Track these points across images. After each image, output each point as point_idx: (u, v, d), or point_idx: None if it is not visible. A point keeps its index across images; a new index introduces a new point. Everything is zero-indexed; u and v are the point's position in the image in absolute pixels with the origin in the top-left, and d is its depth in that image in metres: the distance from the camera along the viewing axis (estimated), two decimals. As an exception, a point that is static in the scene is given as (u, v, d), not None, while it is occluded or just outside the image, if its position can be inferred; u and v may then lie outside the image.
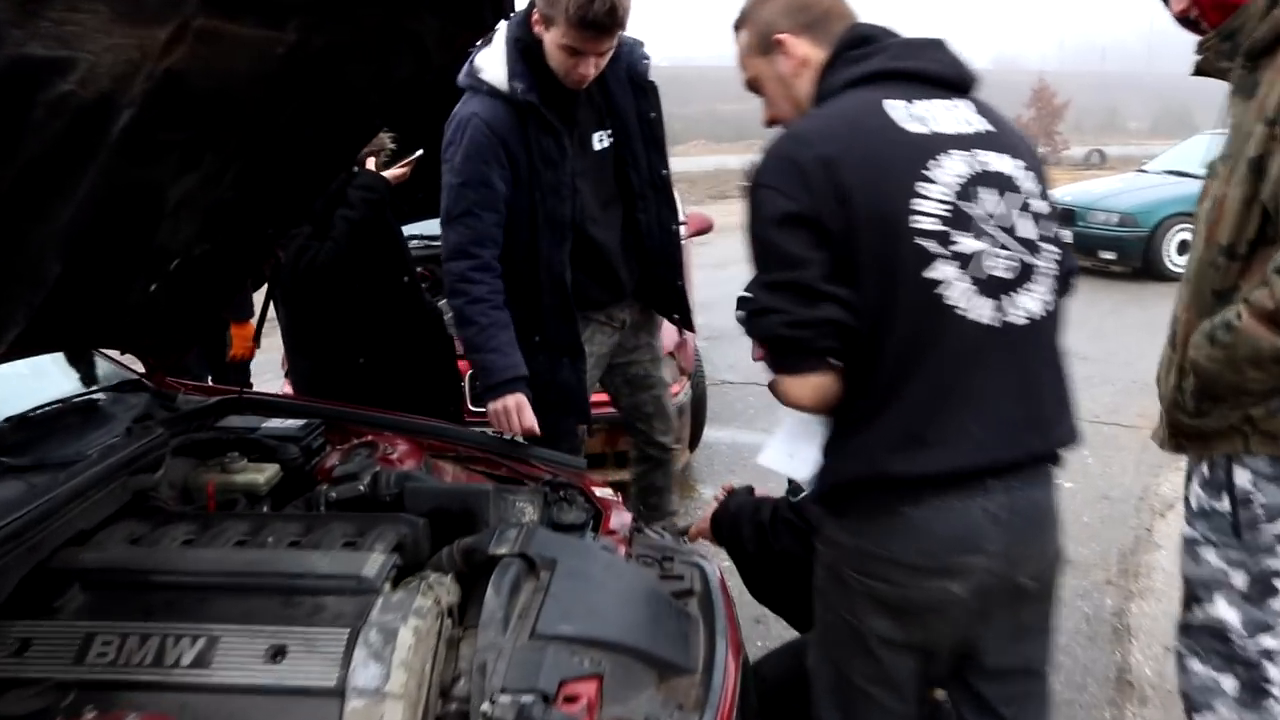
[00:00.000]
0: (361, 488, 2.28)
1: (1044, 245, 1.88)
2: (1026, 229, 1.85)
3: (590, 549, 2.07)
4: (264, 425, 2.62)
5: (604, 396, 4.71)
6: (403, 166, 3.70)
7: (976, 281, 1.78)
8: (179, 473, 2.42)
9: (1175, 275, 10.97)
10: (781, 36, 1.95)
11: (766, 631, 3.52)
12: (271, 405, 2.82)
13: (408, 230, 6.16)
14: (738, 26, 2.03)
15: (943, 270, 1.75)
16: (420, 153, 3.78)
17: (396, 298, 3.52)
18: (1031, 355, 1.85)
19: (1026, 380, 1.84)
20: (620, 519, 2.33)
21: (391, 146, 3.65)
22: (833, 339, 1.75)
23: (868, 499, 1.83)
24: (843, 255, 1.74)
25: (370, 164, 3.58)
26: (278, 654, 1.68)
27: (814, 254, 1.73)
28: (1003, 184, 1.83)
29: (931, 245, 1.75)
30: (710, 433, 5.78)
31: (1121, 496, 5.11)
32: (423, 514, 2.19)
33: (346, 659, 1.66)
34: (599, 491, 2.53)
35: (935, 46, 1.93)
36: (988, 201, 1.80)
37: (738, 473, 5.39)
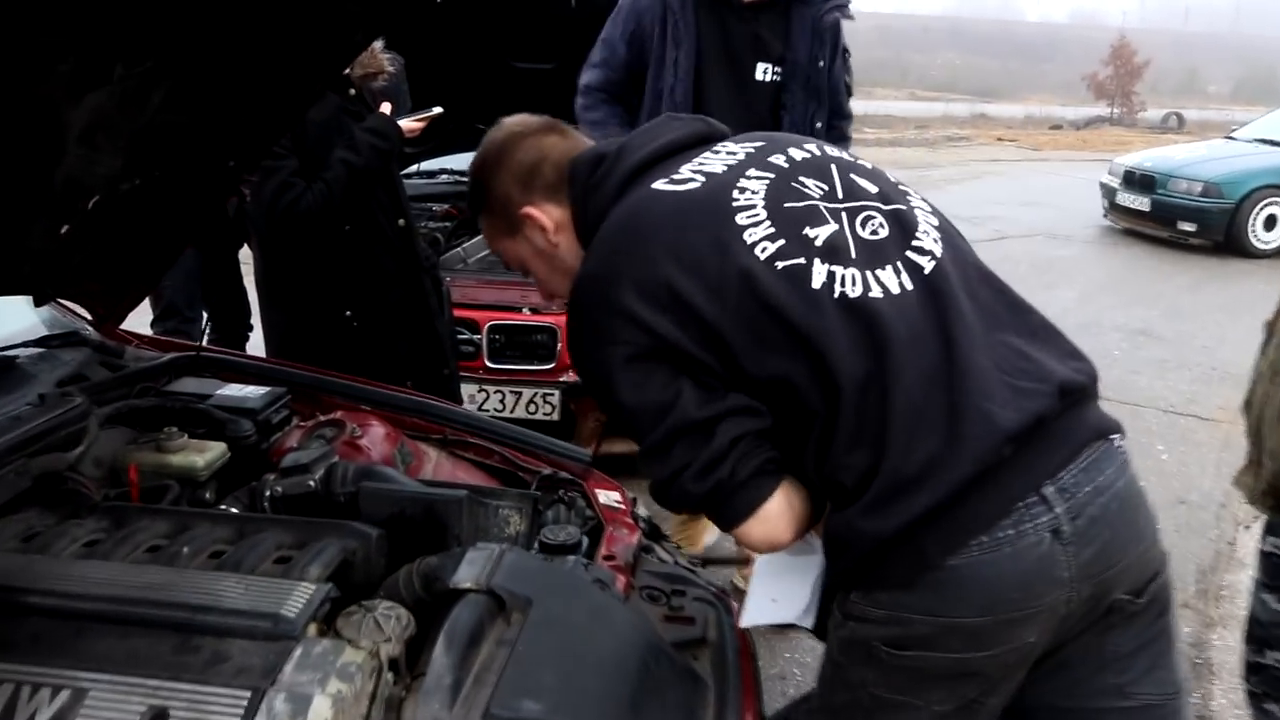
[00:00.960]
0: (312, 483, 1.90)
1: (893, 190, 1.61)
2: (874, 185, 1.60)
3: (578, 584, 1.67)
4: (219, 392, 2.23)
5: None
6: (419, 120, 3.31)
7: (857, 259, 1.49)
8: (109, 448, 2.04)
9: (1260, 252, 10.35)
10: (525, 211, 1.70)
11: (784, 690, 3.11)
12: (234, 367, 2.44)
13: (437, 163, 5.81)
14: (475, 211, 1.83)
15: (821, 270, 1.47)
16: (438, 110, 3.52)
17: (390, 244, 3.09)
18: (972, 290, 1.53)
19: (989, 317, 1.51)
20: (623, 540, 1.92)
21: (390, 69, 3.22)
22: (758, 451, 1.47)
23: (893, 560, 1.44)
24: (711, 359, 1.46)
25: (386, 107, 3.17)
26: None
27: (678, 384, 1.46)
28: (809, 166, 1.60)
29: (798, 260, 1.47)
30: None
31: (1200, 501, 4.62)
32: (380, 522, 1.81)
33: (241, 735, 1.28)
34: (603, 497, 2.12)
35: (666, 121, 1.73)
36: (808, 187, 1.56)
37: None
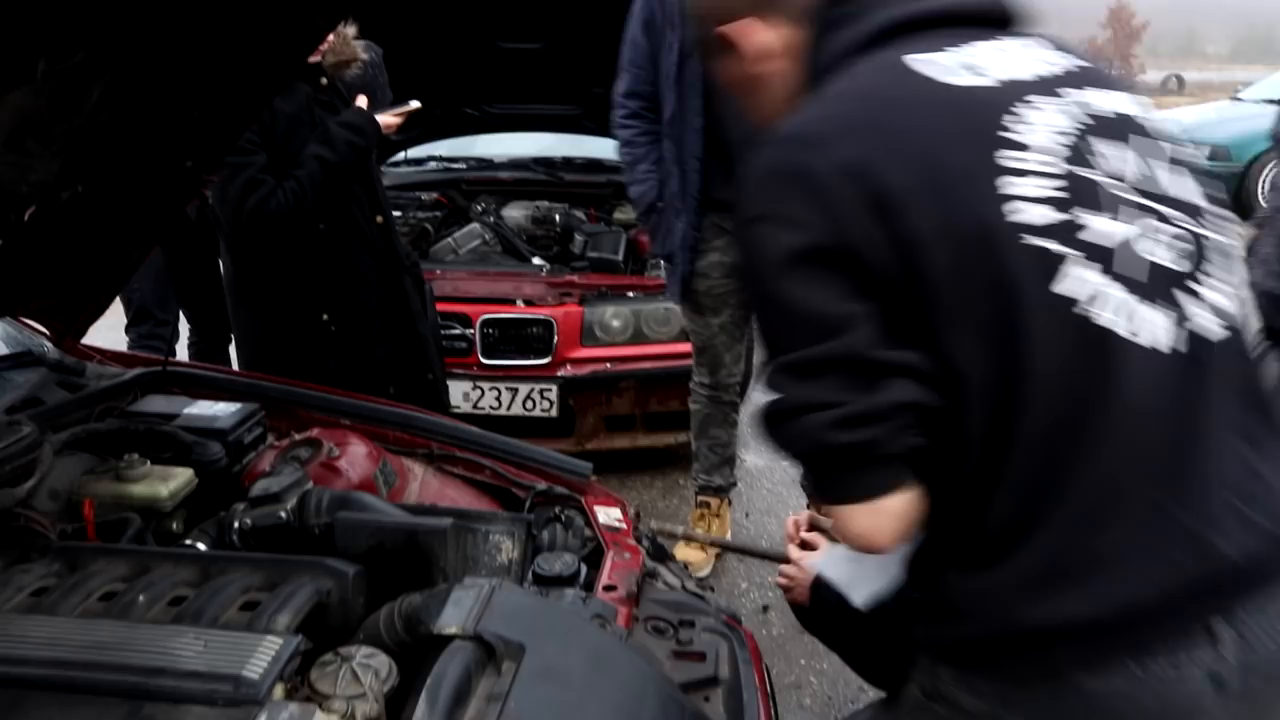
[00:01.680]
0: (283, 514, 1.74)
1: (1209, 207, 1.26)
2: (1181, 187, 1.24)
3: (575, 624, 1.51)
4: (186, 411, 2.07)
5: (636, 349, 4.18)
6: (397, 115, 3.13)
7: (1133, 283, 1.15)
8: (66, 478, 1.88)
9: (1269, 215, 10.15)
10: (724, 30, 1.40)
11: (800, 700, 2.97)
12: (204, 382, 2.28)
13: (424, 150, 5.63)
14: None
15: (1079, 276, 1.13)
16: (416, 105, 3.33)
17: (368, 243, 2.91)
18: (1242, 382, 1.21)
19: (1235, 412, 1.19)
20: (625, 565, 1.76)
21: (364, 57, 3.05)
22: (913, 432, 1.16)
23: (1013, 655, 1.21)
24: (903, 301, 1.15)
25: (362, 101, 2.99)
26: (100, 807, 1.15)
27: (856, 306, 1.15)
28: (1125, 129, 1.23)
29: (1051, 244, 1.14)
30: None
31: None
32: (358, 556, 1.65)
33: (196, 822, 1.12)
34: (603, 515, 1.96)
35: None
36: (1111, 158, 1.20)
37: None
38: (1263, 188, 10.18)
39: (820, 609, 1.94)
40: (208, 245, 3.76)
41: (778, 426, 1.20)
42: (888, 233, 1.14)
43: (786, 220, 1.18)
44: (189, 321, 4.31)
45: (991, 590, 1.19)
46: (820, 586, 1.93)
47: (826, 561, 1.49)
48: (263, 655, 1.31)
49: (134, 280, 3.76)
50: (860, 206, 1.14)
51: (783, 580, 1.98)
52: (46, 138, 1.54)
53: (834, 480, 1.20)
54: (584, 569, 1.72)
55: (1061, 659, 1.16)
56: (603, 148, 5.52)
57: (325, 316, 2.82)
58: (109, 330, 2.77)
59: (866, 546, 1.22)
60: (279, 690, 1.29)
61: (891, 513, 1.19)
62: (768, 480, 4.44)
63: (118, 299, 4.19)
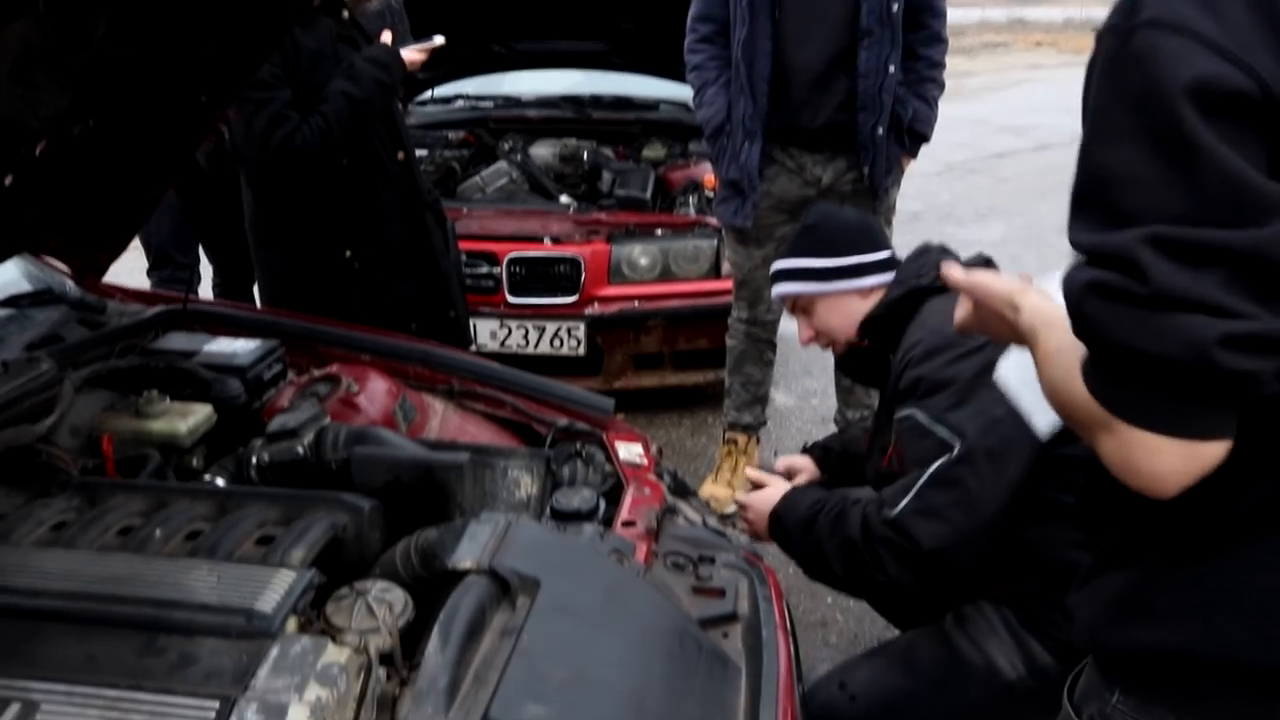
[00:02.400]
0: (300, 449, 1.73)
1: None
2: None
3: (592, 559, 1.50)
4: (206, 348, 2.06)
5: (664, 286, 4.14)
6: (421, 50, 3.07)
7: None
8: (88, 415, 1.89)
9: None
10: None
11: (825, 638, 2.94)
12: (225, 319, 2.27)
13: (452, 88, 5.57)
14: None
15: None
16: (440, 40, 3.23)
17: (390, 178, 2.88)
18: None
19: None
20: (645, 501, 1.74)
21: None
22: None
23: (1230, 700, 1.02)
24: None
25: (386, 36, 2.94)
26: (115, 736, 1.15)
27: (1271, 183, 0.87)
28: None
29: None
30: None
31: None
32: (375, 490, 1.65)
33: (208, 753, 1.13)
34: (624, 451, 1.94)
35: None
36: None
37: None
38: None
39: (784, 540, 2.06)
40: (225, 184, 3.74)
41: (1126, 305, 0.89)
42: None
43: (1207, 40, 0.89)
44: (211, 263, 4.29)
45: (1244, 597, 0.99)
46: (778, 519, 2.02)
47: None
48: (276, 589, 1.31)
49: (151, 223, 3.76)
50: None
51: (743, 526, 2.10)
52: (54, 70, 1.52)
53: (1168, 404, 0.91)
54: (603, 504, 1.70)
55: None
56: (631, 85, 5.44)
57: (348, 253, 2.79)
58: (130, 275, 2.76)
59: (1152, 487, 0.96)
60: (292, 623, 1.29)
61: (1208, 461, 0.94)
62: (797, 419, 4.41)
63: (139, 243, 4.21)
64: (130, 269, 2.43)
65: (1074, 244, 0.95)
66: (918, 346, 1.93)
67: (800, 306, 2.24)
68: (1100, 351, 0.94)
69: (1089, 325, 0.93)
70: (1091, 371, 0.95)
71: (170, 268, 4.13)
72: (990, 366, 1.42)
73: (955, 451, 1.77)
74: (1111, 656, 1.10)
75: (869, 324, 2.14)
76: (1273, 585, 0.98)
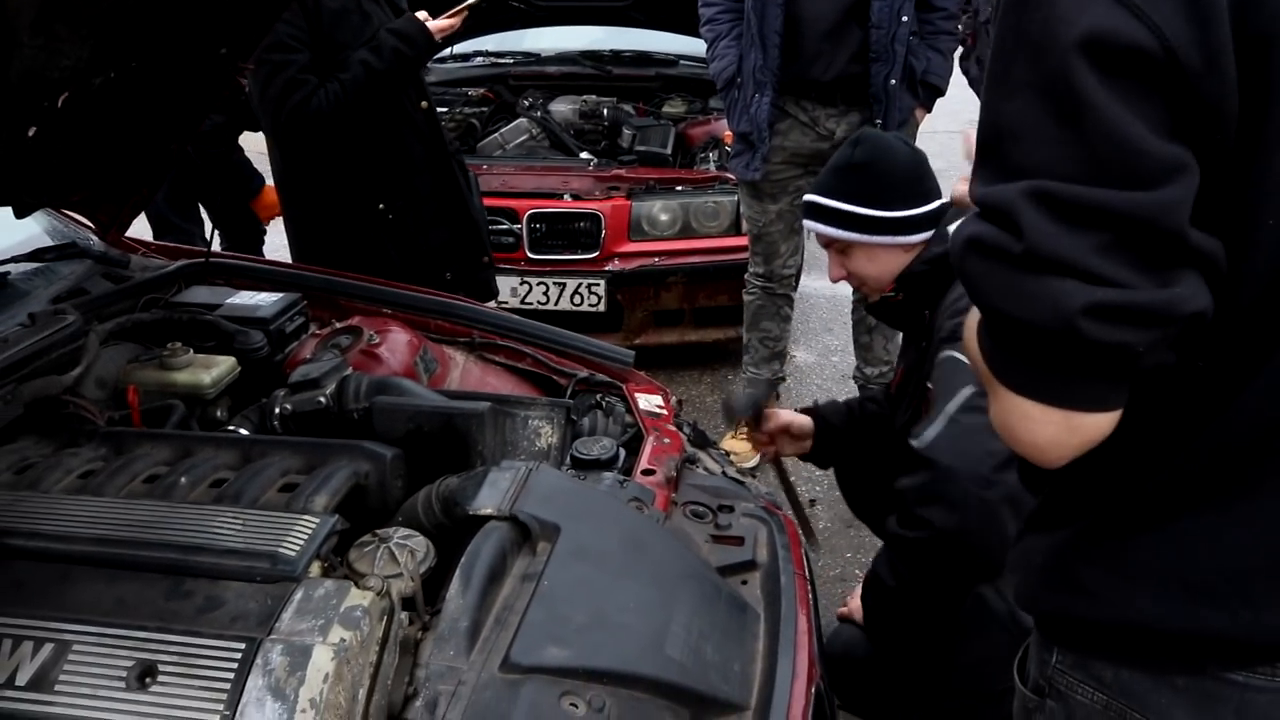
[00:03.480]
0: (323, 399, 1.75)
1: None
2: None
3: (612, 506, 1.51)
4: (229, 301, 2.08)
5: (684, 243, 4.13)
6: (451, 16, 2.93)
7: None
8: (113, 367, 1.91)
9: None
10: None
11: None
12: (247, 273, 2.29)
13: (471, 45, 5.53)
14: None
15: None
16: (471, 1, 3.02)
17: (417, 129, 2.86)
18: None
19: None
20: (665, 450, 1.75)
21: None
22: (1170, 350, 0.87)
23: (1148, 647, 1.01)
24: (1212, 157, 0.84)
25: (423, 14, 2.90)
26: (145, 676, 1.18)
27: (1179, 149, 0.82)
28: None
29: None
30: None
31: None
32: (396, 439, 1.67)
33: (235, 692, 1.15)
34: (644, 402, 1.95)
35: None
36: None
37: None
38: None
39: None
40: (222, 146, 3.74)
41: (998, 264, 0.86)
42: (1208, 43, 0.81)
43: (1082, 10, 0.82)
44: (214, 225, 4.29)
45: (1150, 568, 0.98)
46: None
47: None
48: (299, 534, 1.33)
49: None
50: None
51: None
52: (75, 21, 1.52)
53: (1043, 372, 0.88)
54: (623, 453, 1.71)
55: (1208, 660, 0.98)
56: (651, 40, 5.38)
57: (381, 205, 2.79)
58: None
59: (1033, 456, 0.93)
60: (315, 568, 1.31)
61: (1090, 434, 0.90)
62: (817, 377, 4.41)
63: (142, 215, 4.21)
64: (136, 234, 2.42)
65: (969, 196, 0.91)
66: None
67: (836, 248, 2.12)
68: (982, 311, 0.91)
69: (968, 283, 0.89)
70: (981, 331, 0.92)
71: (173, 234, 4.13)
72: None
73: None
74: (1045, 618, 1.09)
75: (906, 278, 2.05)
76: (1193, 562, 0.96)
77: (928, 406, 1.87)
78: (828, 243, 2.12)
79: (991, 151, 0.88)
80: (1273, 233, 0.85)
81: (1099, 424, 0.89)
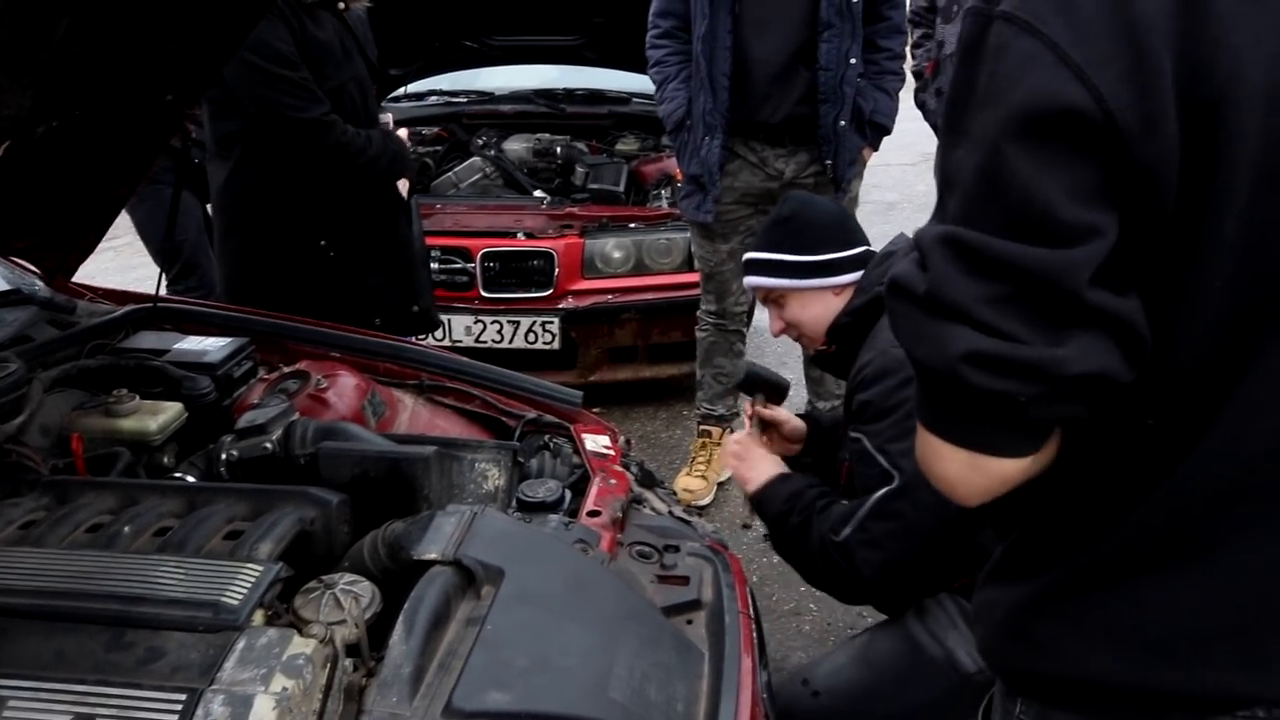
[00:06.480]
0: (269, 445, 1.75)
1: None
2: None
3: (556, 548, 1.52)
4: (176, 346, 2.07)
5: (638, 280, 4.16)
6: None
7: None
8: (57, 414, 1.90)
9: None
10: None
11: (799, 627, 2.97)
12: (196, 317, 2.28)
13: (425, 84, 5.56)
14: None
15: None
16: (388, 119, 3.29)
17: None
18: None
19: None
20: (611, 491, 1.76)
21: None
22: (1080, 405, 0.88)
23: (1126, 709, 1.01)
24: (1159, 212, 0.84)
25: (403, 185, 3.04)
26: (82, 730, 1.17)
27: (1095, 214, 0.83)
28: None
29: None
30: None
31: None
32: (342, 485, 1.67)
33: (175, 744, 1.15)
34: (590, 442, 1.97)
35: None
36: None
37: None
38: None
39: (760, 512, 2.11)
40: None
41: (907, 304, 0.90)
42: (1158, 103, 0.81)
43: (1050, 45, 0.82)
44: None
45: (1107, 627, 0.98)
46: (757, 502, 2.11)
47: None
48: (242, 582, 1.33)
49: (180, 230, 3.77)
50: (1104, 56, 0.82)
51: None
52: (15, 71, 1.53)
53: (945, 413, 0.92)
54: (569, 495, 1.73)
55: (1172, 712, 0.98)
56: (604, 79, 5.45)
57: (324, 242, 2.80)
58: (111, 276, 2.75)
59: (947, 491, 0.96)
60: (259, 616, 1.31)
61: (995, 476, 0.92)
62: (772, 410, 4.44)
63: (146, 253, 4.19)
64: (106, 269, 2.41)
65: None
66: (868, 367, 1.94)
67: (772, 299, 2.24)
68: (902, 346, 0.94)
69: (890, 317, 0.94)
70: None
71: (196, 276, 4.11)
72: None
73: (895, 483, 1.82)
74: (1005, 674, 1.11)
75: (834, 331, 2.14)
76: (1150, 622, 0.97)
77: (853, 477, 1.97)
78: (764, 296, 2.24)
79: (939, 199, 0.92)
80: (1219, 295, 0.85)
81: (1005, 468, 0.92)
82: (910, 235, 2.07)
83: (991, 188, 0.85)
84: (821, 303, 2.16)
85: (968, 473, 0.92)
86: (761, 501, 2.09)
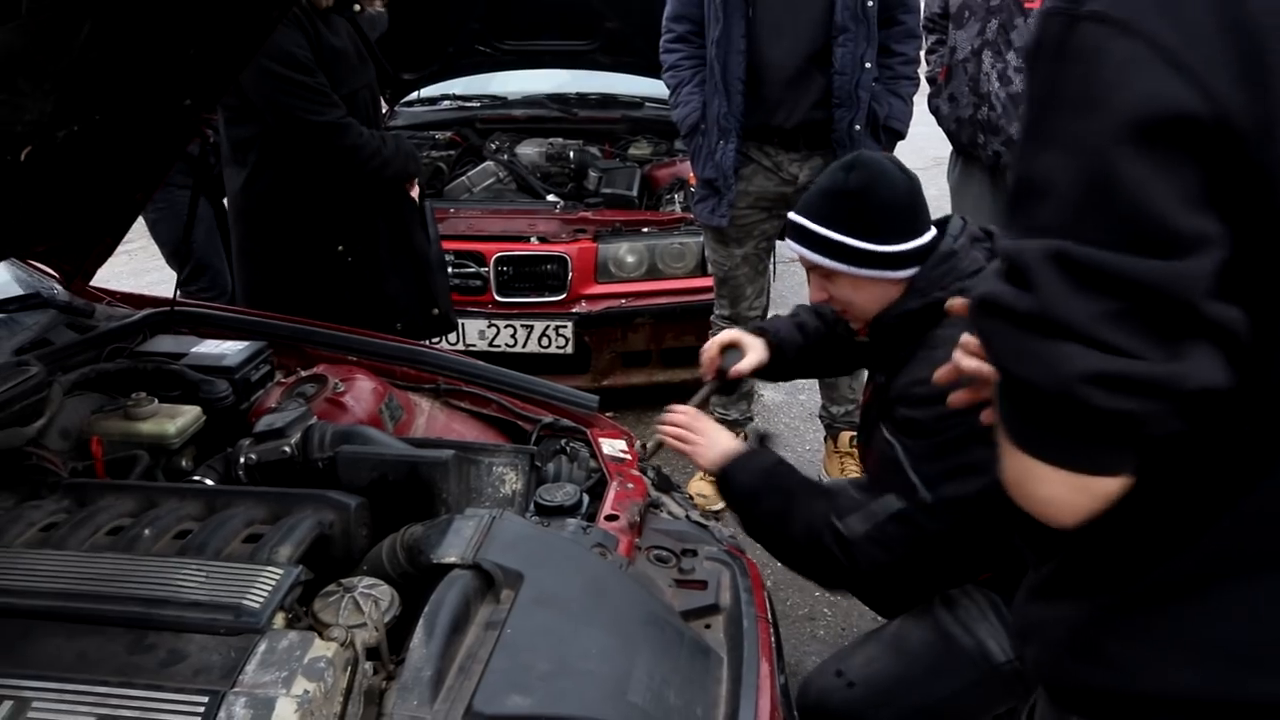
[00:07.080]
0: (287, 449, 1.75)
1: None
2: None
3: (575, 552, 1.52)
4: (194, 350, 2.09)
5: (651, 284, 4.16)
6: None
7: None
8: (77, 417, 1.91)
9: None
10: None
11: (814, 632, 2.96)
12: (213, 321, 2.29)
13: (438, 89, 5.58)
14: None
15: None
16: None
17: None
18: None
19: None
20: (628, 496, 1.76)
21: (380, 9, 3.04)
22: (1183, 419, 0.85)
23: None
24: (1258, 224, 0.82)
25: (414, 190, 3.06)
26: (105, 732, 1.17)
27: (1208, 222, 0.81)
28: None
29: None
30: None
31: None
32: (361, 488, 1.67)
33: (197, 747, 1.15)
34: (607, 447, 1.97)
35: None
36: None
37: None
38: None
39: (724, 488, 2.03)
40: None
41: (1004, 323, 0.86)
42: (1250, 95, 0.78)
43: (1154, 46, 0.79)
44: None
45: (1187, 640, 0.95)
46: (725, 476, 2.00)
47: None
48: (263, 585, 1.34)
49: (195, 237, 3.80)
50: (1211, 61, 0.78)
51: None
52: (37, 76, 1.54)
53: (1049, 434, 0.88)
54: (586, 499, 1.73)
55: None
56: (617, 83, 5.45)
57: (341, 248, 2.82)
58: (127, 279, 2.77)
59: (1043, 515, 0.92)
60: (279, 619, 1.32)
61: (1100, 495, 0.89)
62: (785, 415, 4.44)
63: (160, 255, 4.20)
64: (120, 273, 2.43)
65: (998, 249, 0.90)
66: (921, 387, 1.76)
67: (820, 273, 1.98)
68: (995, 369, 0.90)
69: (982, 339, 0.90)
70: (996, 388, 0.91)
71: (207, 277, 4.13)
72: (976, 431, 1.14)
73: (922, 498, 1.76)
74: (1064, 692, 1.06)
75: (878, 326, 1.96)
76: (1235, 631, 0.93)
77: (874, 466, 1.93)
78: (812, 266, 2.00)
79: (1020, 204, 0.88)
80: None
81: (1108, 486, 0.89)
82: (961, 224, 1.97)
83: (1099, 197, 0.81)
84: (879, 289, 1.93)
85: (1071, 494, 0.89)
86: (727, 477, 1.97)
